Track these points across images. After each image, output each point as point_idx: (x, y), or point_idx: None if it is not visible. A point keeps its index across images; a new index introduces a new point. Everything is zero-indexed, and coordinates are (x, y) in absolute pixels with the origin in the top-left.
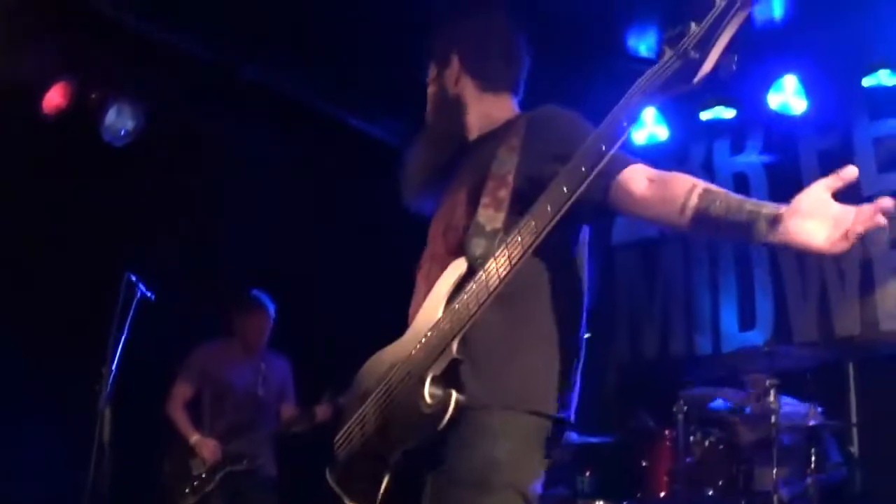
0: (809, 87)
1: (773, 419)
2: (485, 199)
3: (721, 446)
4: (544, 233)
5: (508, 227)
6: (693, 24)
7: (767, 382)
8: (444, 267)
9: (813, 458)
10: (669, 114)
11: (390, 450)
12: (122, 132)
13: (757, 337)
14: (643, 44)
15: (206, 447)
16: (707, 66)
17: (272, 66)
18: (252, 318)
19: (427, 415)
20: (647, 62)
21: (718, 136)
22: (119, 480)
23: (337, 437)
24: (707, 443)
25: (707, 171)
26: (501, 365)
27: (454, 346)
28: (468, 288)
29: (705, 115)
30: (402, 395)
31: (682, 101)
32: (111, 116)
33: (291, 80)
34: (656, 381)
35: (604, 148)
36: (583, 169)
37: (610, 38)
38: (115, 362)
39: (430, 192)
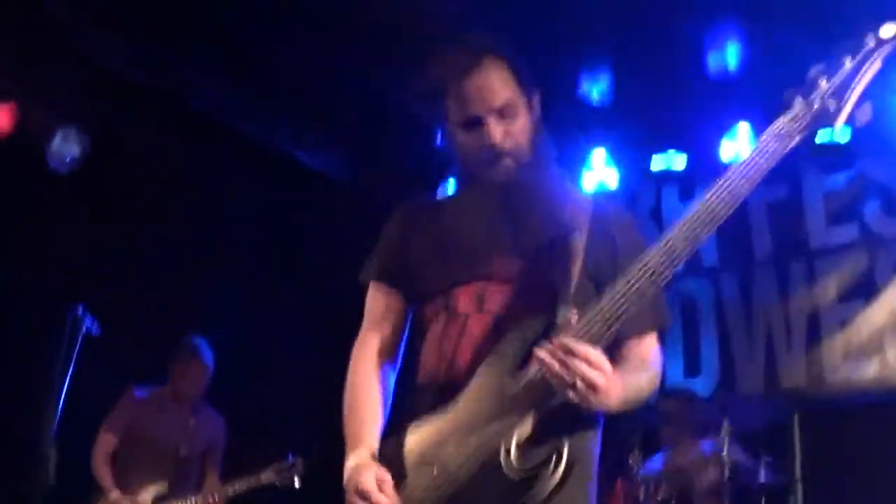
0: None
1: (726, 472)
2: (560, 266)
3: (672, 501)
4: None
5: (579, 293)
6: (823, 80)
7: (721, 432)
8: (486, 320)
9: None
10: (620, 160)
11: None
12: (68, 159)
13: (702, 385)
14: (595, 89)
15: None
16: (845, 113)
17: (221, 95)
18: (186, 367)
19: (524, 479)
20: (599, 109)
21: (668, 182)
22: None
23: None
24: (659, 496)
25: (655, 218)
26: (578, 430)
27: (543, 409)
28: (576, 332)
29: (656, 162)
30: (481, 466)
31: (632, 148)
32: (57, 142)
33: (241, 109)
34: (604, 429)
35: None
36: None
37: (562, 83)
38: (61, 399)
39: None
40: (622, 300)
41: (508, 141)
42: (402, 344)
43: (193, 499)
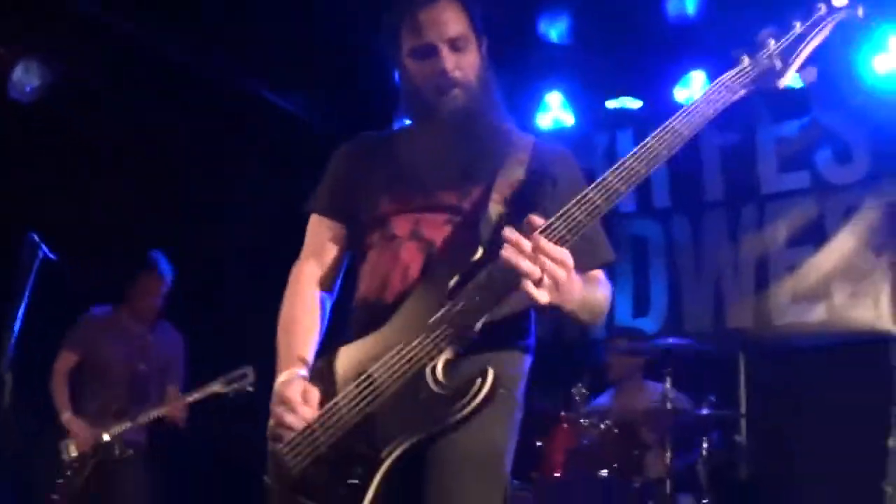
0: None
1: (668, 406)
2: (495, 196)
3: (616, 430)
4: (566, 244)
5: (513, 224)
6: (772, 41)
7: (664, 371)
8: (420, 247)
9: (704, 446)
10: (576, 101)
11: (382, 445)
12: (29, 89)
13: (650, 324)
14: (554, 30)
15: (76, 428)
16: (790, 74)
17: (184, 33)
18: (143, 281)
19: (449, 396)
20: (557, 48)
21: (623, 125)
22: (21, 447)
23: (287, 441)
24: (602, 426)
25: (610, 159)
26: (507, 352)
27: (477, 327)
28: (490, 273)
29: (612, 104)
30: (407, 382)
31: (589, 89)
32: (18, 73)
33: (202, 47)
34: (551, 365)
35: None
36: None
37: (521, 23)
38: (17, 326)
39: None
40: (561, 229)
41: (458, 72)
42: (340, 275)
43: (154, 411)
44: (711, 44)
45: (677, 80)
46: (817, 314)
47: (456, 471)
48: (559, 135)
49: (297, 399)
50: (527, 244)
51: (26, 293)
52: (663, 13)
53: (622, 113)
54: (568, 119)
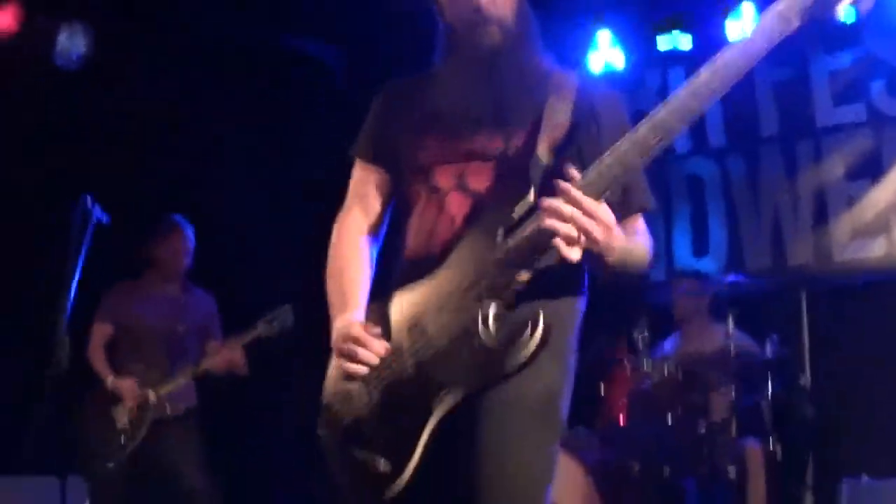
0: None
1: (731, 348)
2: (542, 138)
3: (679, 374)
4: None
5: (563, 169)
6: None
7: (726, 313)
8: (466, 197)
9: (769, 389)
10: (626, 39)
11: (432, 396)
12: (75, 56)
13: (710, 264)
14: None
15: (124, 388)
16: (846, 1)
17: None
18: (167, 242)
19: (500, 347)
20: None
21: (674, 63)
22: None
23: (333, 393)
24: (665, 371)
25: (663, 98)
26: (559, 297)
27: (525, 276)
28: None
29: (662, 42)
30: (458, 332)
31: (639, 28)
32: (63, 40)
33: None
34: (610, 309)
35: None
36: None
37: None
38: (73, 288)
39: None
40: (609, 170)
41: (493, 8)
42: (385, 221)
43: (202, 364)
44: None
45: (728, 14)
46: (877, 249)
47: (509, 417)
48: (610, 77)
49: (365, 336)
50: (566, 208)
51: (81, 256)
52: None
53: (672, 52)
54: (618, 60)
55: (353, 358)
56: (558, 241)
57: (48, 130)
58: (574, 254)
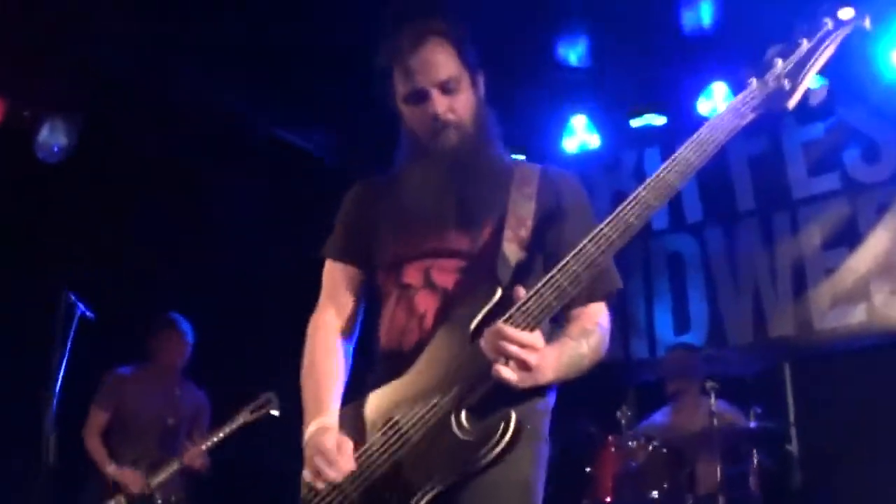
0: (739, 91)
1: (714, 422)
2: (508, 234)
3: (664, 450)
4: (581, 283)
5: (530, 265)
6: (779, 60)
7: (707, 385)
8: (434, 295)
9: (755, 459)
10: (601, 122)
11: (411, 494)
12: (56, 149)
13: (692, 340)
14: (573, 53)
15: (126, 477)
16: (798, 95)
17: (205, 80)
18: (168, 341)
19: (474, 442)
20: (577, 71)
21: (649, 143)
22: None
23: (316, 493)
24: (650, 447)
25: (638, 178)
26: (530, 392)
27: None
28: (512, 315)
29: (636, 123)
30: (432, 429)
31: (612, 109)
32: (44, 133)
33: (225, 94)
34: (594, 388)
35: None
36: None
37: (539, 47)
38: (58, 384)
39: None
40: (574, 270)
41: (451, 114)
42: (358, 320)
43: (175, 464)
44: (730, 54)
45: (699, 93)
46: (858, 315)
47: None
48: (586, 157)
49: (334, 449)
50: (501, 344)
51: (66, 351)
52: (679, 28)
53: (647, 130)
54: (594, 141)
55: (319, 473)
56: (497, 366)
57: (30, 223)
58: (510, 376)
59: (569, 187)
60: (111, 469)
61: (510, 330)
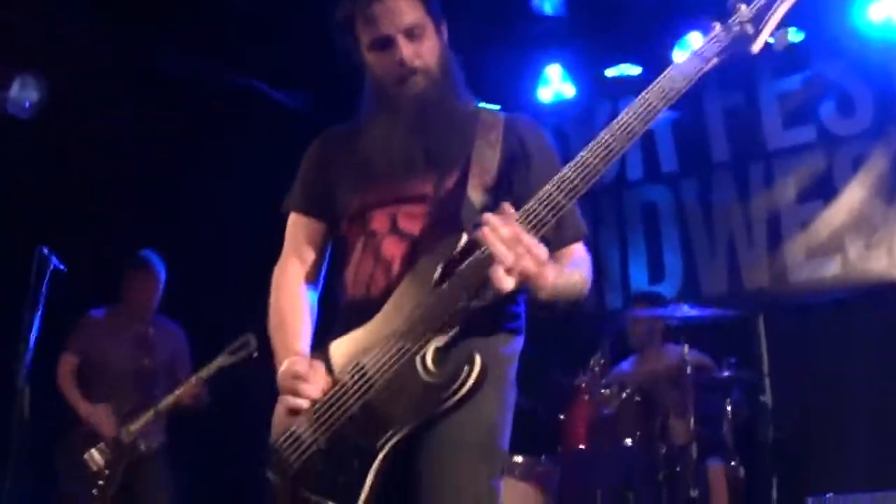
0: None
1: (687, 370)
2: (473, 182)
3: (637, 398)
4: (546, 226)
5: (495, 210)
6: (743, 6)
7: (681, 334)
8: (401, 241)
9: (729, 409)
10: (576, 72)
11: (377, 436)
12: (27, 105)
13: (666, 290)
14: (548, 2)
15: (99, 418)
16: (761, 40)
17: (172, 35)
18: (138, 279)
19: (439, 384)
20: (552, 21)
21: (624, 93)
22: (39, 457)
23: (281, 436)
24: (623, 395)
25: None
26: (496, 335)
27: (461, 314)
28: (471, 260)
29: (611, 73)
30: (398, 372)
31: (587, 60)
32: (15, 89)
33: (194, 48)
34: (568, 337)
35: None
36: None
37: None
38: (32, 338)
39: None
40: (540, 211)
41: (417, 60)
42: (323, 270)
43: (169, 399)
44: (705, 3)
45: (674, 43)
46: (832, 269)
47: (451, 452)
48: (561, 107)
49: (308, 371)
50: (505, 230)
51: (40, 305)
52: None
53: (622, 80)
54: (569, 91)
55: (297, 393)
56: (494, 269)
57: (1, 179)
58: (508, 283)
59: (532, 133)
60: (84, 409)
61: (524, 232)
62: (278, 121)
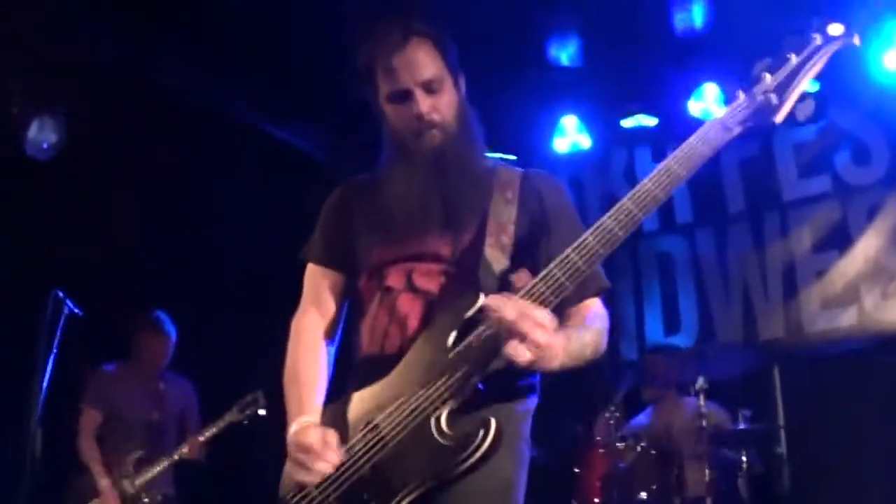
0: (730, 95)
1: (703, 423)
2: (490, 241)
3: (652, 451)
4: (564, 293)
5: (512, 272)
6: (767, 75)
7: (697, 386)
8: (416, 298)
9: (744, 461)
10: (592, 122)
11: (389, 495)
12: (45, 146)
13: (682, 341)
14: (564, 53)
15: (106, 499)
16: (785, 110)
17: (194, 75)
18: (151, 340)
19: (454, 448)
20: (568, 72)
21: (640, 143)
22: (48, 502)
23: (291, 491)
24: (639, 448)
25: (629, 179)
26: (511, 395)
27: (477, 378)
28: (482, 331)
29: (627, 123)
30: (412, 433)
31: (603, 110)
32: (33, 130)
33: (214, 90)
34: (583, 391)
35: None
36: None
37: (530, 47)
38: (46, 380)
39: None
40: (559, 279)
41: (435, 114)
42: (340, 323)
43: (173, 454)
44: (721, 55)
45: (690, 94)
46: (848, 319)
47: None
48: (577, 158)
49: (318, 443)
50: (510, 311)
51: (54, 348)
52: (671, 28)
53: (638, 131)
54: (585, 141)
55: (308, 468)
56: (508, 346)
57: (18, 220)
58: (523, 355)
59: (551, 192)
60: (104, 484)
61: (529, 306)
62: (298, 171)
